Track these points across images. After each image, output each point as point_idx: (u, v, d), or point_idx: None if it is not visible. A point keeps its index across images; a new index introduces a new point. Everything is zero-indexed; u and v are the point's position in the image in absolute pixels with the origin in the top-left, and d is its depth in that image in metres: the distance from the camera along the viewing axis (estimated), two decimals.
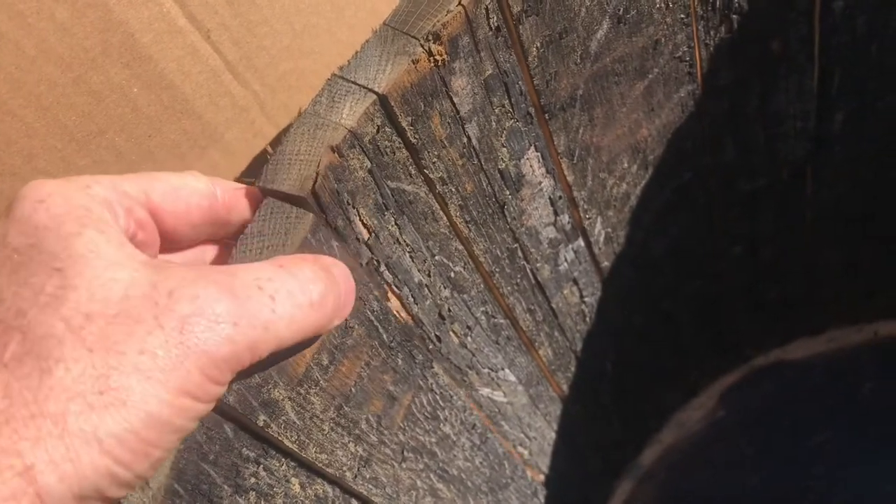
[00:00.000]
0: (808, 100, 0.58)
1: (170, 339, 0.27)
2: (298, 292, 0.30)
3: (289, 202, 0.35)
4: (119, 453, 0.26)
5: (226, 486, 0.34)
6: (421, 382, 0.47)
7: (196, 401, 0.28)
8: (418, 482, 0.49)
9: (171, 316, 0.27)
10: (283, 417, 0.36)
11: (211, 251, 0.38)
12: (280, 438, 0.36)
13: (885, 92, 0.58)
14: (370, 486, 0.44)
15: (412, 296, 0.45)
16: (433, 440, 0.50)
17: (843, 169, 0.64)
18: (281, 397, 0.36)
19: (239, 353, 0.28)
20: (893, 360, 0.79)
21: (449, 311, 0.49)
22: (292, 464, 0.38)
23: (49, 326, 0.26)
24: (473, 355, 0.54)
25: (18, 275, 0.28)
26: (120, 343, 0.26)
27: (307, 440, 0.38)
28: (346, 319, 0.38)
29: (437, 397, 0.50)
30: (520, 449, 0.64)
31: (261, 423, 0.35)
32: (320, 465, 0.39)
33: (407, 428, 0.47)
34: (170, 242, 0.35)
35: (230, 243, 0.38)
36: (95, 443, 0.25)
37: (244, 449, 0.35)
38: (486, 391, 0.57)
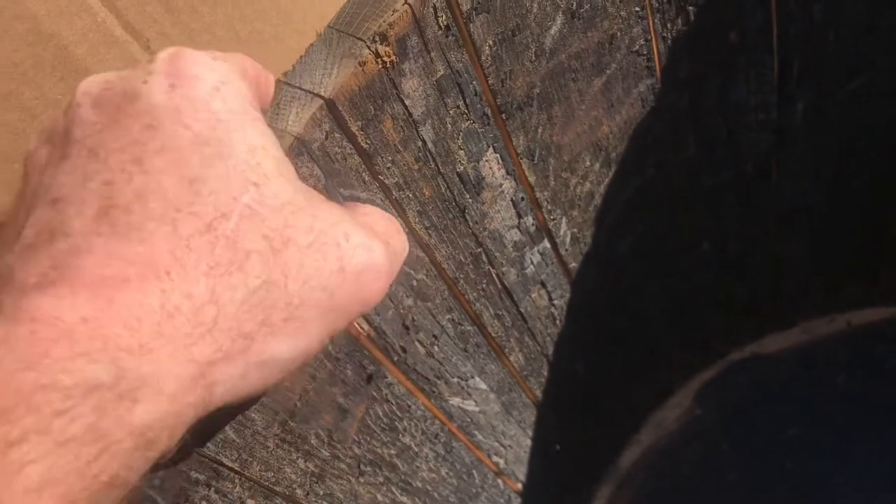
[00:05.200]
0: (769, 90, 0.58)
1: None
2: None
3: None
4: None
5: None
6: (375, 393, 0.46)
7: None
8: (378, 496, 0.48)
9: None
10: (220, 436, 0.35)
11: None
12: (219, 458, 0.35)
13: (843, 81, 0.58)
14: (324, 503, 0.42)
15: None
16: (392, 452, 0.49)
17: (806, 160, 0.64)
18: None
19: None
20: (866, 349, 0.79)
21: (413, 320, 0.48)
22: (247, 484, 0.36)
23: (252, 242, 0.26)
24: (441, 365, 0.52)
25: (197, 170, 0.25)
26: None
27: (250, 458, 0.37)
28: None
29: (394, 407, 0.48)
30: (495, 458, 0.63)
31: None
32: (267, 483, 0.38)
33: (362, 441, 0.45)
34: None
35: None
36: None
37: (193, 472, 0.33)
38: (456, 401, 0.55)
